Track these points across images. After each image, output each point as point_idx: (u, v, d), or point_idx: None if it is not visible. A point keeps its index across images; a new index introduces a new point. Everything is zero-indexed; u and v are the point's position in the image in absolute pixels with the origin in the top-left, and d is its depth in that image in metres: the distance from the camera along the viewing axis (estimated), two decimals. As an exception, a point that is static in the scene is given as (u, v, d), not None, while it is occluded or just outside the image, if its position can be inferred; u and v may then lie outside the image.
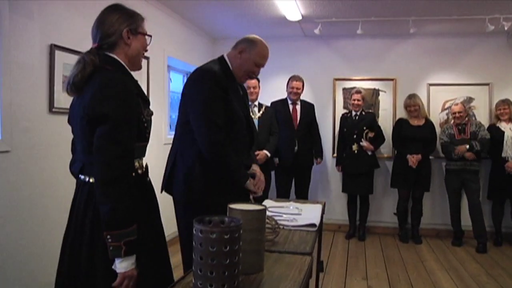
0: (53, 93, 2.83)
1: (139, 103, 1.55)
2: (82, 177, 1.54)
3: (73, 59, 2.94)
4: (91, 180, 1.49)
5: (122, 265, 1.40)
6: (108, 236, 1.38)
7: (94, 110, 1.43)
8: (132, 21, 1.61)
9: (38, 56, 2.74)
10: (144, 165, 1.64)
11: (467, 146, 4.57)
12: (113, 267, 1.41)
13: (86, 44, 3.08)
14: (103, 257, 1.43)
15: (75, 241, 1.52)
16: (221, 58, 2.18)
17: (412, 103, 4.86)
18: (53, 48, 2.82)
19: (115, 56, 1.57)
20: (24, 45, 2.63)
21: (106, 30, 1.56)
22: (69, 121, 1.67)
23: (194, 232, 1.12)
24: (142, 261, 1.49)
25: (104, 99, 1.42)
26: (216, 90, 1.98)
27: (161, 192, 2.16)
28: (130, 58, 1.61)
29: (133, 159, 1.51)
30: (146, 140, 1.62)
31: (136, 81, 1.62)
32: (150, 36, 1.67)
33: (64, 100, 2.92)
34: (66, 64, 2.91)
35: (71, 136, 2.98)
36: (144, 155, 1.64)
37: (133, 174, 1.52)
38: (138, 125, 1.52)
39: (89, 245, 1.48)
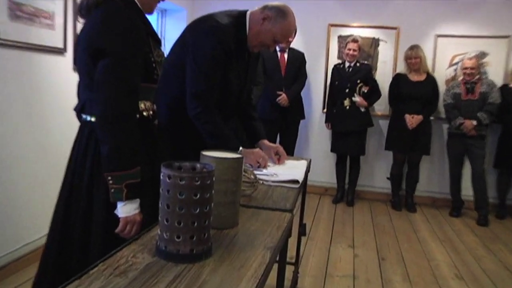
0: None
1: (148, 42, 1.60)
2: (84, 116, 1.59)
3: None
4: (92, 119, 1.54)
5: (124, 209, 1.47)
6: (109, 178, 1.44)
7: (95, 43, 1.48)
8: None
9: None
10: (151, 108, 1.68)
11: (474, 122, 4.58)
12: (115, 211, 1.47)
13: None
14: (102, 202, 1.50)
15: (73, 185, 1.57)
16: (241, 17, 2.11)
17: (414, 55, 4.83)
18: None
19: None
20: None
21: None
22: (75, 62, 1.72)
23: (161, 177, 1.12)
24: (146, 206, 1.54)
25: (105, 32, 1.48)
26: (220, 53, 2.02)
27: None
28: None
29: (137, 99, 1.56)
30: (154, 82, 1.67)
31: (147, 20, 1.65)
32: None
33: (12, 31, 2.81)
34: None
35: (17, 71, 2.92)
36: (152, 98, 1.69)
37: (137, 115, 1.57)
38: (145, 65, 1.57)
39: (88, 189, 1.54)
